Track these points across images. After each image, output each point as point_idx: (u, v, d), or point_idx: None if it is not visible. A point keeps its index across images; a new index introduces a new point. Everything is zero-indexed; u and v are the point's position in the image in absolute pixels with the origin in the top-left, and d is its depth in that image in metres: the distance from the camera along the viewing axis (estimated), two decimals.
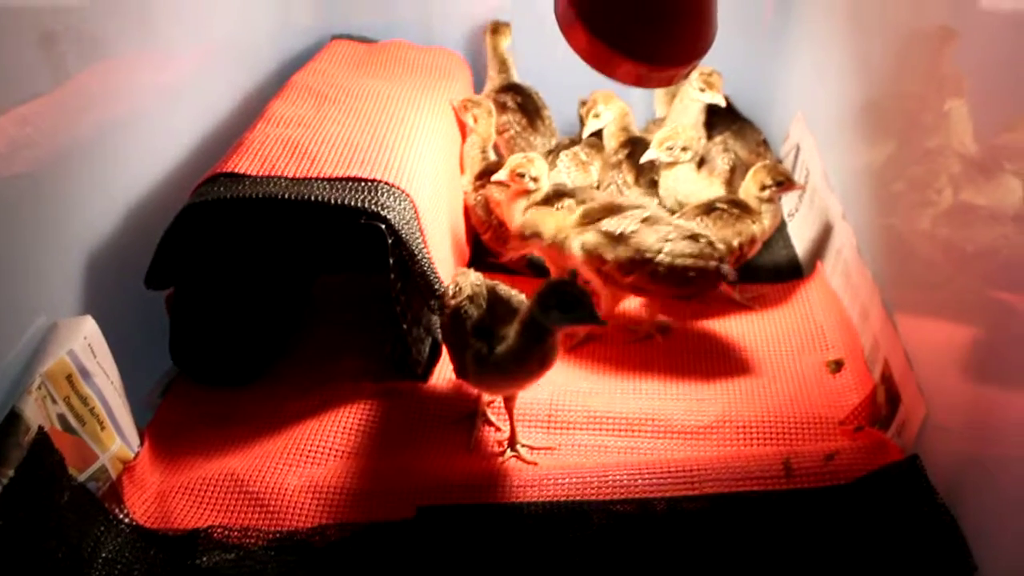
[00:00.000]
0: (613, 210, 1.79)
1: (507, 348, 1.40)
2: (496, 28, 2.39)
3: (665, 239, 1.74)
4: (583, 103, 2.35)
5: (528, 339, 1.38)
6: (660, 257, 1.72)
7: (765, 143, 2.30)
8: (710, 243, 1.77)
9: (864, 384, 1.62)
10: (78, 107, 1.51)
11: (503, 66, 2.39)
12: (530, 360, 1.40)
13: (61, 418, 1.29)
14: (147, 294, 1.62)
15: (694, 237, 1.76)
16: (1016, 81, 1.23)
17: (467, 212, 2.09)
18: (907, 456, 1.38)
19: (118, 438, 1.40)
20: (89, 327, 1.38)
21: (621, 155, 2.20)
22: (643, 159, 2.08)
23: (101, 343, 1.40)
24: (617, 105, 2.26)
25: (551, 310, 1.34)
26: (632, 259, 1.73)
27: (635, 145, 2.19)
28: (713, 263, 1.74)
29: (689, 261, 1.73)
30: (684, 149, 2.05)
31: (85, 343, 1.36)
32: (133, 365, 1.50)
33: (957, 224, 1.39)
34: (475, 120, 2.13)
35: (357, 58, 2.28)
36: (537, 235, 1.82)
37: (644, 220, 1.77)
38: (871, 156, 1.81)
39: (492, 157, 2.09)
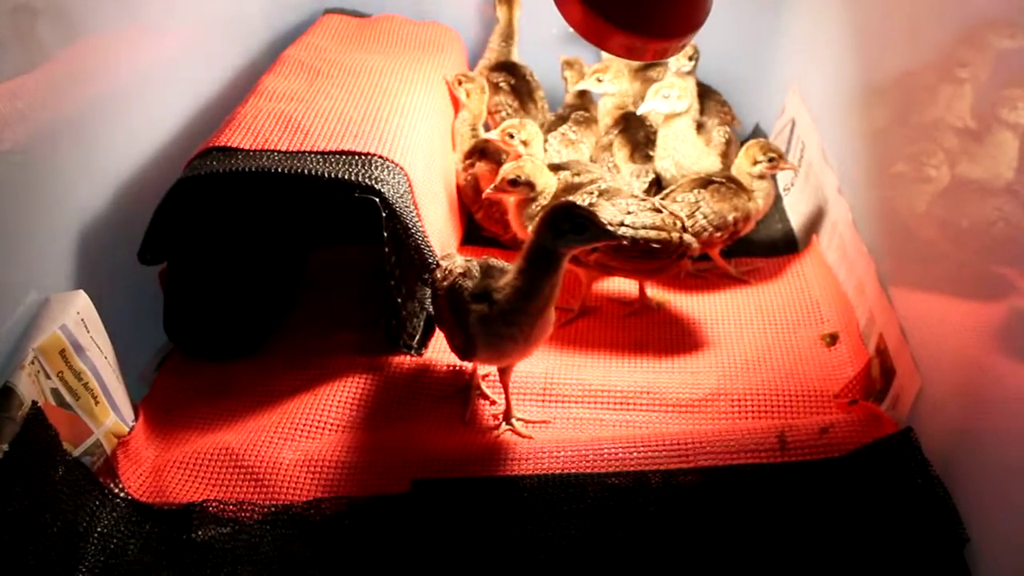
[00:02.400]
0: (571, 188, 1.76)
1: (512, 288, 1.38)
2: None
3: (626, 211, 1.72)
4: (570, 63, 2.31)
5: (535, 271, 1.36)
6: (622, 230, 1.70)
7: (727, 104, 2.28)
8: (672, 214, 1.76)
9: (859, 357, 1.63)
10: (69, 82, 1.50)
11: (508, 39, 2.36)
12: (539, 295, 1.37)
13: (55, 393, 1.29)
14: (141, 269, 1.61)
15: (655, 209, 1.75)
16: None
17: (459, 189, 2.08)
18: (901, 429, 1.39)
19: (112, 413, 1.40)
20: (82, 302, 1.38)
21: (613, 134, 2.17)
22: (640, 110, 2.06)
23: (94, 318, 1.39)
24: (624, 84, 2.21)
25: (564, 234, 1.33)
26: None
27: (628, 120, 2.17)
28: (676, 235, 1.73)
29: (652, 233, 1.71)
30: (680, 98, 2.01)
31: (78, 318, 1.35)
32: (127, 340, 1.50)
33: (952, 198, 1.38)
34: (468, 95, 2.11)
35: (350, 32, 2.26)
36: (530, 185, 1.75)
37: (602, 193, 1.75)
38: (867, 130, 1.80)
39: (483, 134, 2.07)
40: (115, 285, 1.58)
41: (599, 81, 2.19)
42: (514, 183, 1.73)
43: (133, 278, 1.63)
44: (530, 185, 1.74)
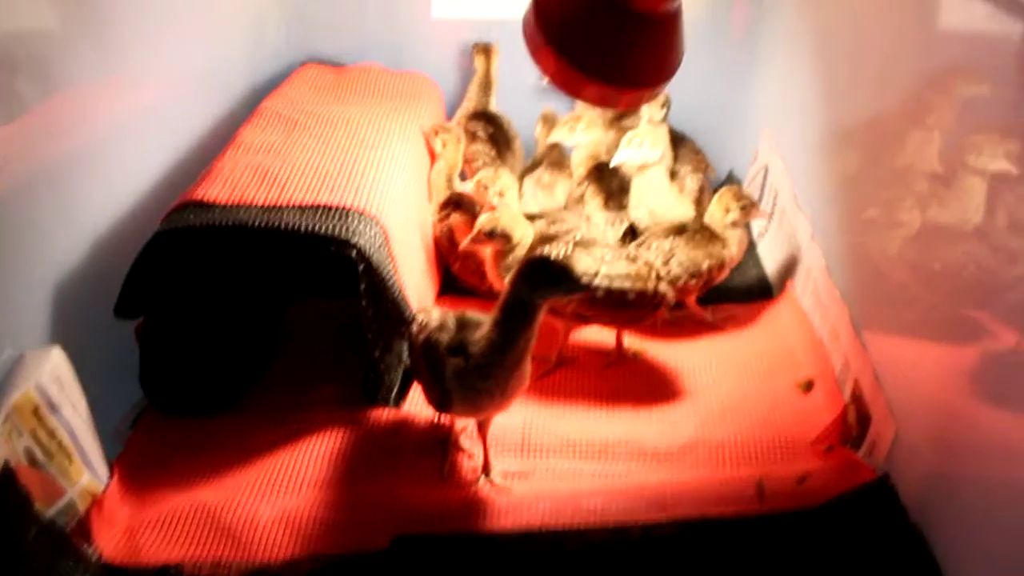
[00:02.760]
0: (546, 239, 1.77)
1: (488, 342, 1.38)
2: (487, 49, 2.37)
3: (601, 261, 1.73)
4: (544, 118, 2.33)
5: (511, 324, 1.36)
6: (597, 280, 1.71)
7: (700, 152, 2.30)
8: (648, 264, 1.77)
9: (835, 404, 1.63)
10: (47, 134, 1.50)
11: (487, 89, 2.38)
12: (515, 348, 1.37)
13: (28, 452, 1.27)
14: (117, 323, 1.60)
15: (631, 259, 1.76)
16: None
17: (435, 240, 2.08)
18: (878, 476, 1.39)
19: (86, 472, 1.39)
20: (56, 358, 1.37)
21: (584, 186, 2.18)
22: (614, 161, 2.06)
23: (69, 374, 1.38)
24: (597, 134, 2.22)
25: (540, 286, 1.33)
26: None
27: (602, 170, 2.18)
28: (651, 284, 1.74)
29: (627, 283, 1.72)
30: (652, 146, 2.02)
31: (52, 375, 1.34)
32: (102, 395, 1.49)
33: (923, 242, 1.40)
34: (444, 146, 2.13)
35: (328, 83, 2.27)
36: (507, 237, 1.75)
37: (578, 243, 1.75)
38: (838, 176, 1.82)
39: (459, 185, 2.09)
40: (90, 339, 1.57)
41: (572, 131, 2.21)
42: (491, 234, 1.74)
43: (109, 332, 1.62)
44: (507, 236, 1.74)
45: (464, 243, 1.80)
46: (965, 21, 1.31)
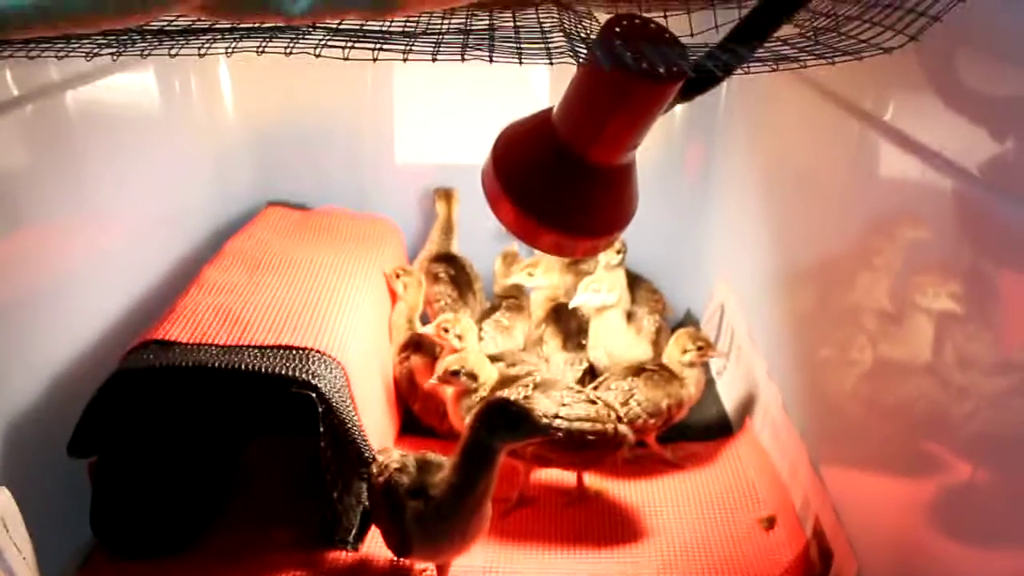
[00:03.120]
0: (506, 381, 1.79)
1: (448, 485, 1.37)
2: (449, 195, 2.43)
3: (560, 403, 1.74)
4: (505, 256, 2.38)
5: (471, 467, 1.36)
6: (557, 422, 1.71)
7: (657, 292, 2.36)
8: (607, 405, 1.78)
9: (797, 541, 1.63)
10: (8, 269, 1.50)
11: (448, 232, 2.43)
12: (475, 491, 1.36)
13: None
14: (67, 461, 1.57)
15: (590, 400, 1.77)
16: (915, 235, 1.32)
17: (395, 381, 2.08)
18: None
19: None
20: (3, 500, 1.33)
21: (543, 328, 2.21)
22: (572, 303, 2.09)
23: (15, 516, 1.34)
24: (555, 278, 2.27)
25: (498, 430, 1.33)
26: None
27: (559, 312, 2.22)
28: (611, 426, 1.75)
29: (587, 425, 1.73)
30: (610, 291, 2.06)
31: None
32: (50, 535, 1.44)
33: (876, 378, 1.43)
34: (405, 288, 2.16)
35: (291, 225, 2.32)
36: (472, 377, 1.76)
37: (537, 386, 1.77)
38: (791, 315, 1.87)
39: (419, 327, 2.11)
40: (41, 477, 1.54)
41: (530, 275, 2.26)
42: (456, 374, 1.75)
43: (59, 470, 1.58)
44: (472, 377, 1.75)
45: (429, 382, 1.80)
46: (901, 174, 1.39)
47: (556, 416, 1.71)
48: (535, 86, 2.46)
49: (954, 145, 1.19)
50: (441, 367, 1.77)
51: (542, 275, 2.25)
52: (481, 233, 2.44)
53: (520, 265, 2.29)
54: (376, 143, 2.53)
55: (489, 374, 1.77)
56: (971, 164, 1.15)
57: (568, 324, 2.20)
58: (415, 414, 2.07)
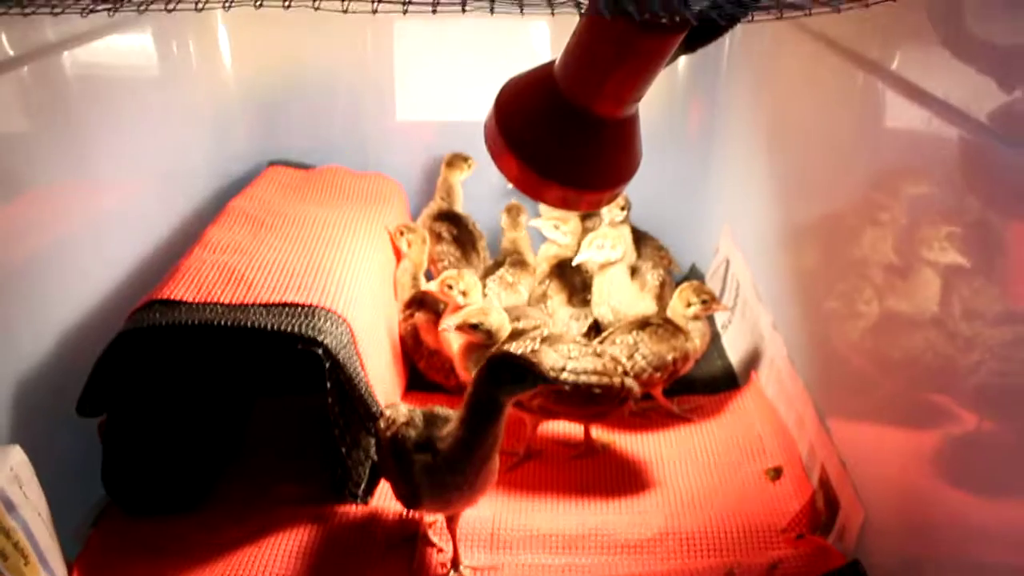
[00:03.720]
0: (513, 335, 1.79)
1: (455, 438, 1.38)
2: (452, 162, 2.41)
3: (568, 357, 1.75)
4: (509, 209, 2.35)
5: (477, 420, 1.37)
6: (564, 375, 1.72)
7: (662, 248, 2.35)
8: (614, 359, 1.79)
9: (803, 491, 1.64)
10: (11, 234, 1.51)
11: (449, 195, 2.41)
12: (482, 444, 1.37)
13: None
14: (79, 421, 1.58)
15: (596, 354, 1.78)
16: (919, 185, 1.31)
17: (400, 338, 2.09)
18: (848, 561, 1.39)
19: (43, 573, 1.35)
20: (16, 457, 1.34)
21: (547, 283, 2.21)
22: (576, 260, 2.10)
23: (29, 473, 1.36)
24: (577, 238, 2.25)
25: (504, 383, 1.34)
26: None
27: (563, 267, 2.22)
28: (618, 379, 1.76)
29: (593, 378, 1.74)
30: (614, 247, 2.06)
31: (12, 474, 1.31)
32: (63, 494, 1.45)
33: (883, 331, 1.43)
34: (409, 246, 2.16)
35: (294, 184, 2.31)
36: (489, 334, 1.76)
37: (544, 339, 1.77)
38: (797, 268, 1.87)
39: (423, 284, 2.11)
40: (52, 437, 1.55)
41: (556, 228, 2.25)
42: (475, 327, 1.76)
43: (71, 430, 1.59)
44: (489, 334, 1.76)
45: (443, 324, 1.81)
46: (907, 124, 1.37)
47: (563, 369, 1.72)
48: (536, 42, 2.44)
49: (962, 93, 1.18)
50: (460, 316, 1.77)
51: (569, 232, 2.25)
52: (485, 191, 2.44)
53: (548, 215, 2.28)
54: (377, 101, 2.52)
55: (504, 335, 1.78)
56: (980, 112, 1.13)
57: (572, 280, 2.20)
58: (420, 370, 2.08)
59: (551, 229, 2.26)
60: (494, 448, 1.40)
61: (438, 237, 2.33)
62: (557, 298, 2.18)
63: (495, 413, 1.36)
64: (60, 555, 1.41)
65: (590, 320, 2.14)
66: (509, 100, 1.24)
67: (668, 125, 2.51)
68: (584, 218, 2.37)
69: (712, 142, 2.51)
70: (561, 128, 1.18)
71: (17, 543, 1.30)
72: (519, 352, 1.69)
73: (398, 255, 2.20)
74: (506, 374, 1.35)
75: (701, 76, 2.47)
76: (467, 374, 1.77)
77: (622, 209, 2.25)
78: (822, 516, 1.56)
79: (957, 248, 1.19)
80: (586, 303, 2.16)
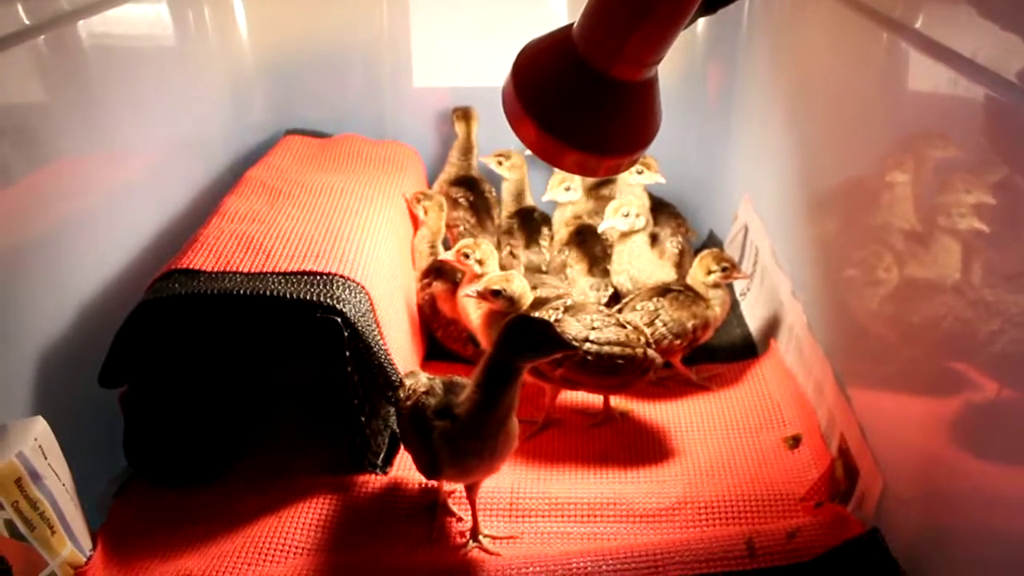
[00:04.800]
0: (537, 304, 1.78)
1: (471, 403, 1.38)
2: (467, 114, 2.40)
3: (591, 327, 1.74)
4: (499, 155, 2.33)
5: (493, 384, 1.37)
6: (587, 346, 1.71)
7: (680, 215, 2.33)
8: (636, 329, 1.78)
9: (822, 459, 1.64)
10: (31, 206, 1.51)
11: (467, 153, 2.40)
12: (499, 407, 1.37)
13: (8, 524, 1.25)
14: (101, 392, 1.60)
15: (620, 324, 1.77)
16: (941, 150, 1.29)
17: (417, 308, 2.09)
18: (867, 529, 1.39)
19: (69, 542, 1.36)
20: (40, 428, 1.36)
21: (566, 252, 2.20)
22: (600, 228, 2.08)
23: (52, 444, 1.37)
24: (581, 193, 2.27)
25: (523, 349, 1.34)
26: None
27: (584, 234, 2.21)
28: (640, 349, 1.75)
29: (616, 349, 1.73)
30: (639, 215, 2.05)
31: (36, 444, 1.33)
32: (86, 465, 1.47)
33: (902, 297, 1.42)
34: (426, 213, 2.15)
35: (310, 153, 2.30)
36: (511, 301, 1.76)
37: (568, 309, 1.77)
38: (816, 235, 1.85)
39: (441, 252, 2.10)
40: (74, 409, 1.57)
41: (568, 190, 2.26)
42: (496, 294, 1.75)
43: (93, 401, 1.61)
44: (511, 301, 1.75)
45: (464, 292, 1.81)
46: (932, 86, 1.35)
47: (586, 340, 1.71)
48: (553, 5, 2.41)
49: (990, 51, 1.16)
50: (482, 283, 1.77)
51: (576, 189, 2.26)
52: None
53: (555, 180, 2.28)
54: (394, 68, 2.50)
55: (526, 303, 1.78)
56: (1008, 70, 1.11)
57: (592, 248, 2.19)
58: (438, 340, 2.08)
59: (563, 192, 2.26)
60: (511, 412, 1.40)
61: (454, 203, 2.33)
62: (577, 267, 2.18)
63: (511, 377, 1.36)
64: (85, 525, 1.43)
65: (610, 291, 2.13)
66: (527, 64, 1.22)
67: (687, 89, 2.49)
68: (601, 185, 2.35)
69: (731, 106, 2.48)
70: (580, 92, 1.17)
71: (43, 513, 1.31)
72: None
73: (416, 223, 2.19)
74: (521, 340, 1.34)
75: (720, 39, 2.44)
76: (489, 343, 1.76)
77: (639, 173, 2.23)
78: (841, 484, 1.56)
79: (981, 212, 1.17)
80: (606, 273, 2.15)
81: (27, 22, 1.51)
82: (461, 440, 1.40)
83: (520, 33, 1.27)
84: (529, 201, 2.37)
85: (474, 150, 2.42)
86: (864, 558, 1.35)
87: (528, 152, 1.37)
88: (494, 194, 2.41)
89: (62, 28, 1.61)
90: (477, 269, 1.88)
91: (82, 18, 1.66)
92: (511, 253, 2.22)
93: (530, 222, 2.31)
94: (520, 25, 2.31)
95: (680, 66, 2.45)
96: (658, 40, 1.12)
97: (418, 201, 2.17)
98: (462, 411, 1.39)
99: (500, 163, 2.32)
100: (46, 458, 1.34)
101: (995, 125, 1.15)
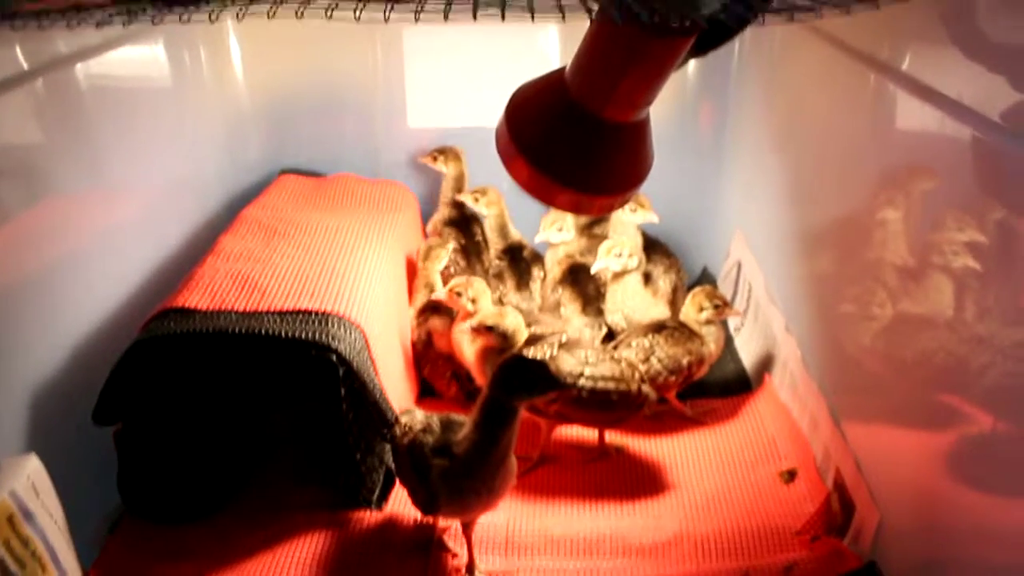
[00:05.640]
0: (532, 340, 1.78)
1: (469, 442, 1.39)
2: (452, 153, 2.39)
3: (585, 362, 1.75)
4: (475, 192, 2.31)
5: (491, 423, 1.37)
6: (582, 381, 1.72)
7: (672, 255, 2.31)
8: (631, 365, 1.79)
9: (818, 493, 1.64)
10: (25, 244, 1.52)
11: (461, 185, 2.39)
12: (497, 447, 1.38)
13: (0, 562, 1.25)
14: (94, 429, 1.59)
15: (615, 360, 1.78)
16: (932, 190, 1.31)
17: (413, 344, 2.09)
18: (864, 563, 1.39)
19: None
20: (33, 466, 1.35)
21: (559, 292, 2.19)
22: (594, 269, 2.08)
23: (45, 482, 1.36)
24: (573, 224, 2.27)
25: (517, 388, 1.35)
26: None
27: (576, 273, 2.20)
28: (635, 386, 1.75)
29: (611, 384, 1.74)
30: (631, 255, 2.05)
31: (28, 482, 1.32)
32: (80, 502, 1.46)
33: (895, 332, 1.43)
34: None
35: (305, 192, 2.32)
36: (504, 337, 1.75)
37: (563, 345, 1.77)
38: (810, 270, 1.87)
39: (438, 289, 2.08)
40: (68, 446, 1.56)
41: (560, 231, 2.25)
42: (490, 330, 1.75)
43: (86, 438, 1.60)
44: (505, 336, 1.76)
45: (461, 326, 1.82)
46: (920, 125, 1.37)
47: (581, 375, 1.72)
48: (547, 48, 2.44)
49: (975, 92, 1.18)
50: (476, 319, 1.77)
51: (568, 229, 2.26)
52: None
53: (547, 220, 2.27)
54: (388, 108, 2.52)
55: (520, 339, 1.78)
56: (993, 111, 1.13)
57: (586, 287, 2.19)
58: (424, 377, 2.08)
59: (555, 233, 2.26)
60: (508, 450, 1.40)
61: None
62: (571, 307, 2.17)
63: (508, 416, 1.37)
64: (76, 563, 1.42)
65: (604, 330, 2.13)
66: (520, 106, 1.24)
67: (679, 128, 2.51)
68: (594, 224, 2.36)
69: (723, 145, 2.51)
70: (572, 133, 1.19)
71: (35, 552, 1.30)
72: (536, 357, 1.69)
73: (412, 267, 2.19)
74: (516, 380, 1.35)
75: (711, 79, 2.47)
76: (484, 379, 1.77)
77: (633, 212, 2.23)
78: (837, 518, 1.56)
79: (971, 249, 1.19)
80: (600, 312, 2.15)
81: (25, 66, 1.53)
82: (460, 479, 1.40)
83: (513, 75, 1.29)
84: (515, 235, 2.35)
85: (465, 184, 2.41)
86: None
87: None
88: (485, 231, 2.40)
89: (60, 71, 1.63)
90: (470, 308, 1.88)
91: (80, 61, 1.68)
92: (500, 300, 2.19)
93: (519, 262, 2.30)
94: (513, 67, 2.31)
95: (672, 105, 2.48)
96: (650, 83, 1.14)
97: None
98: (461, 450, 1.40)
99: (476, 200, 2.31)
100: (39, 496, 1.33)
101: (982, 163, 1.17)
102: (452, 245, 2.20)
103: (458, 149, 2.41)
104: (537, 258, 2.33)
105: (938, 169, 1.30)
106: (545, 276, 2.30)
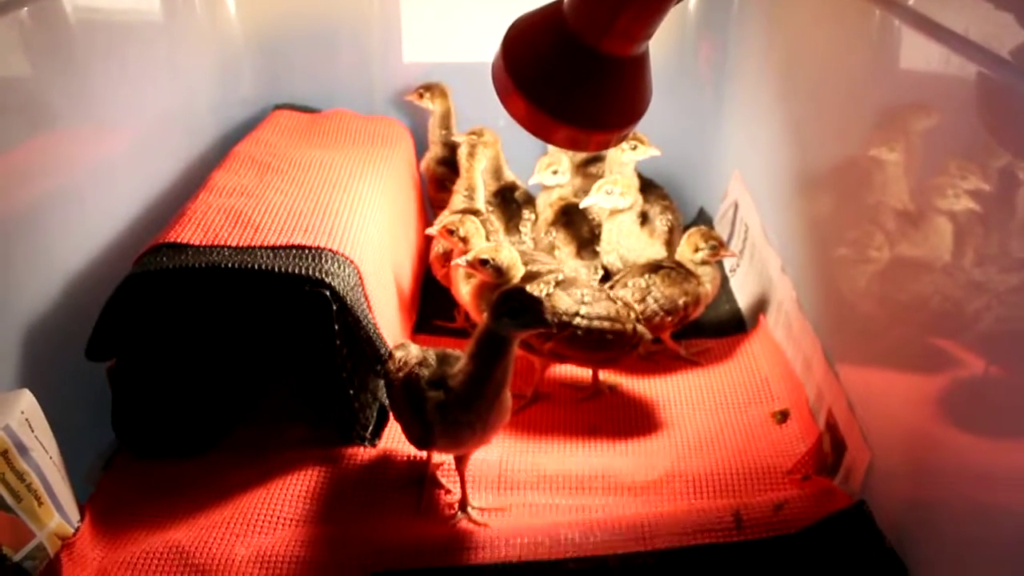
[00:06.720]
0: (529, 277, 1.77)
1: (465, 374, 1.39)
2: (437, 89, 2.37)
3: (581, 301, 1.75)
4: (472, 133, 2.20)
5: (485, 355, 1.37)
6: (577, 320, 1.72)
7: (668, 197, 2.28)
8: (626, 304, 1.78)
9: (810, 433, 1.65)
10: (17, 179, 1.50)
11: (449, 125, 2.38)
12: (492, 379, 1.38)
13: None
14: (88, 366, 1.59)
15: (610, 299, 1.77)
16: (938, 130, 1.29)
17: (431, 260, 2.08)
18: (854, 502, 1.40)
19: (57, 514, 1.37)
20: (26, 401, 1.35)
21: (553, 235, 2.17)
22: (583, 204, 2.05)
23: (39, 417, 1.37)
24: (568, 166, 2.22)
25: (502, 317, 1.35)
26: None
27: (570, 215, 2.19)
28: (630, 325, 1.75)
29: (606, 324, 1.74)
30: (623, 194, 2.03)
31: (22, 417, 1.32)
32: (74, 438, 1.47)
33: (891, 275, 1.43)
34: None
35: (299, 127, 2.29)
36: (499, 271, 1.73)
37: (559, 283, 1.77)
38: (807, 212, 1.85)
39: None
40: (61, 382, 1.56)
41: (556, 173, 2.20)
42: (483, 263, 1.74)
43: (80, 375, 1.60)
44: (499, 271, 1.74)
45: (456, 262, 1.80)
46: (924, 63, 1.35)
47: (576, 314, 1.72)
48: None
49: (982, 28, 1.15)
50: (471, 253, 1.76)
51: (564, 172, 2.21)
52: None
53: (543, 162, 2.23)
54: (383, 43, 2.48)
55: (516, 274, 1.76)
56: (1001, 47, 1.11)
57: (580, 230, 2.17)
58: (438, 280, 2.07)
59: (550, 175, 2.21)
60: (504, 384, 1.40)
61: (441, 185, 2.31)
62: (566, 249, 2.16)
63: (502, 349, 1.37)
64: (73, 497, 1.43)
65: (600, 273, 2.12)
66: (517, 39, 1.22)
67: (677, 65, 2.48)
68: (590, 162, 2.34)
69: (722, 83, 2.48)
70: (570, 67, 1.17)
71: (30, 485, 1.31)
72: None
73: (420, 199, 2.16)
74: (514, 311, 1.35)
75: (712, 14, 2.43)
76: (479, 315, 1.76)
77: (633, 149, 2.20)
78: (828, 458, 1.57)
79: (972, 189, 1.18)
80: (595, 254, 2.14)
81: None
82: (455, 411, 1.41)
83: (510, 8, 1.26)
84: (508, 176, 2.31)
85: (453, 120, 2.39)
86: (850, 530, 1.36)
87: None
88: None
89: (46, 0, 1.59)
90: (460, 246, 1.87)
91: None
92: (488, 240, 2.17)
93: (510, 203, 2.28)
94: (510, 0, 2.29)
95: (671, 42, 2.44)
96: (649, 15, 1.12)
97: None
98: (456, 383, 1.40)
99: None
100: (33, 431, 1.34)
101: (988, 102, 1.15)
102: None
103: (444, 85, 2.38)
104: (529, 200, 2.30)
105: (943, 108, 1.28)
106: (536, 218, 2.28)
